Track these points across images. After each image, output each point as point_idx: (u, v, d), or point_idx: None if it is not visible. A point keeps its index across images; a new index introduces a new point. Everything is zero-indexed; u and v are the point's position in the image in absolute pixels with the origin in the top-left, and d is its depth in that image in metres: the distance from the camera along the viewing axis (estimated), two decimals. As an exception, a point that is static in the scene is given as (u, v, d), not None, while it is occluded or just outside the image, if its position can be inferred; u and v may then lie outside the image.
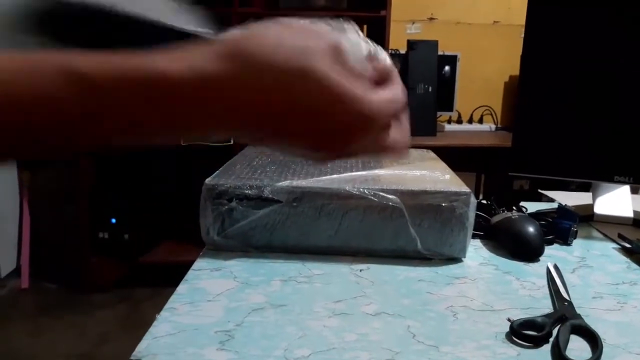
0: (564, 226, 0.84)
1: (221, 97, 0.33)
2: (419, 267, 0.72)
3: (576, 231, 0.85)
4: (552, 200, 1.15)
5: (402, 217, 0.72)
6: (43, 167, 2.61)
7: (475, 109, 2.83)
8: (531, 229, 0.79)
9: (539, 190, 1.27)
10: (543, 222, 0.86)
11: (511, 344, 0.54)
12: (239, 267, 0.71)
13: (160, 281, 1.94)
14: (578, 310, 0.61)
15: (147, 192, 2.56)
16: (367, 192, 0.72)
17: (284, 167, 0.83)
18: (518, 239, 0.79)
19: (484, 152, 2.60)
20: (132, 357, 0.49)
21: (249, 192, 0.73)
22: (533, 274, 0.72)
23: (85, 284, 2.41)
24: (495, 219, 0.84)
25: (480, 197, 0.95)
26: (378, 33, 2.37)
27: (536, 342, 0.54)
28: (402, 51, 2.58)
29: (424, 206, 0.72)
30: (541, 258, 0.77)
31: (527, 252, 0.78)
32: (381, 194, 0.72)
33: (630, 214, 0.96)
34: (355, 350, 0.52)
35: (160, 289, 2.37)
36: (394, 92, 0.37)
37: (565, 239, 0.84)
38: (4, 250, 2.47)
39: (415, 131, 2.56)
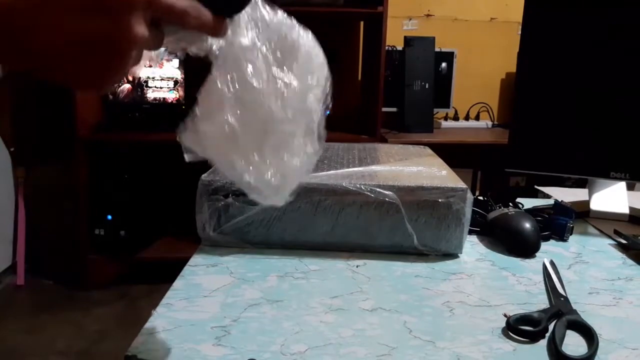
0: (560, 222, 0.85)
1: None
2: (416, 263, 0.72)
3: (572, 227, 0.85)
4: (548, 196, 1.15)
5: (398, 213, 0.72)
6: (38, 163, 2.60)
7: (472, 106, 2.83)
8: (527, 225, 0.79)
9: (535, 187, 1.28)
10: (539, 218, 0.86)
11: (507, 339, 0.54)
12: (235, 262, 0.71)
13: (156, 278, 1.93)
14: (574, 306, 0.61)
15: (143, 189, 2.55)
16: (363, 188, 0.71)
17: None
18: (514, 235, 0.79)
19: (481, 148, 2.60)
20: (128, 353, 0.49)
21: (246, 188, 0.72)
22: (529, 269, 0.73)
23: (81, 280, 2.41)
24: (492, 215, 0.85)
25: (477, 193, 0.95)
26: (375, 29, 2.37)
27: (532, 338, 0.54)
28: (399, 47, 2.57)
29: (420, 202, 0.72)
30: (537, 254, 0.78)
31: (524, 248, 0.78)
32: (378, 189, 0.71)
33: (626, 210, 0.96)
34: (351, 346, 0.52)
35: (157, 285, 2.38)
36: None
37: (561, 235, 0.84)
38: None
39: (412, 128, 2.56)
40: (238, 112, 0.43)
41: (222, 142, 0.44)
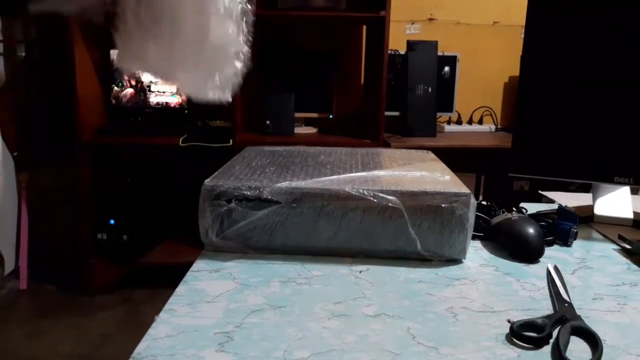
0: (564, 227, 0.84)
1: None
2: (419, 269, 0.72)
3: (576, 232, 0.85)
4: (552, 201, 1.15)
5: (401, 218, 0.72)
6: (41, 167, 2.61)
7: (475, 110, 2.83)
8: (531, 230, 0.79)
9: (539, 191, 1.27)
10: (543, 223, 0.86)
11: (511, 346, 0.54)
12: (238, 268, 0.71)
13: (159, 282, 1.94)
14: (578, 312, 0.61)
15: (146, 193, 2.56)
16: (366, 193, 0.71)
17: (283, 168, 0.83)
18: (518, 240, 0.79)
19: (484, 153, 2.60)
20: (131, 359, 0.49)
21: (248, 193, 0.72)
22: (533, 275, 0.72)
23: (84, 285, 2.41)
24: (495, 220, 0.84)
25: (480, 198, 0.94)
26: (377, 33, 2.37)
27: (536, 344, 0.54)
28: (402, 52, 2.58)
29: (423, 207, 0.72)
30: (541, 259, 0.77)
31: (527, 253, 0.78)
32: (381, 194, 0.71)
33: (630, 215, 0.96)
34: (355, 352, 0.52)
35: (160, 290, 2.38)
36: None
37: (565, 240, 0.84)
38: (3, 252, 2.46)
39: (415, 132, 2.56)
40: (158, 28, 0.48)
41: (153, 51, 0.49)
